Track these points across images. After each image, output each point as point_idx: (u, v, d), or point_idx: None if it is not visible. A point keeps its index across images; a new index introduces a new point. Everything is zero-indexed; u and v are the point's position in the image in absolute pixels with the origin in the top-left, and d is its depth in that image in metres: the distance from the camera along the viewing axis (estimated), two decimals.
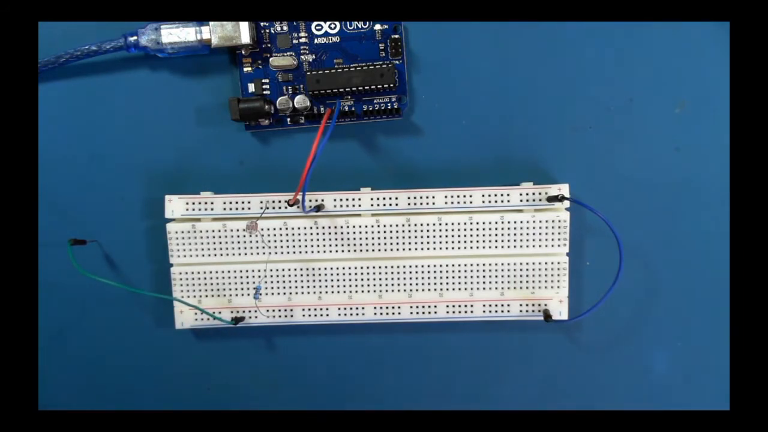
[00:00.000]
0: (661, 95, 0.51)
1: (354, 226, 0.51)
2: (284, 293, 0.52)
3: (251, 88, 0.51)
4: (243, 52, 0.51)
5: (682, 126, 0.51)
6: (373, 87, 0.49)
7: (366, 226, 0.51)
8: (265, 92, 0.51)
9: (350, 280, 0.52)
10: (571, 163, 0.52)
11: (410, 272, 0.52)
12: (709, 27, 0.49)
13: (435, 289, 0.52)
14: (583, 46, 0.50)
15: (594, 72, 0.51)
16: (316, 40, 0.50)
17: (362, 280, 0.52)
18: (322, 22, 0.50)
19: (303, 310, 0.52)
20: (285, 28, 0.50)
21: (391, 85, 0.49)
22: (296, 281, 0.52)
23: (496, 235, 0.51)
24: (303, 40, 0.50)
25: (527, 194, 0.50)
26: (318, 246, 0.51)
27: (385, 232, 0.51)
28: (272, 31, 0.50)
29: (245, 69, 0.51)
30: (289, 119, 0.52)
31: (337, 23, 0.50)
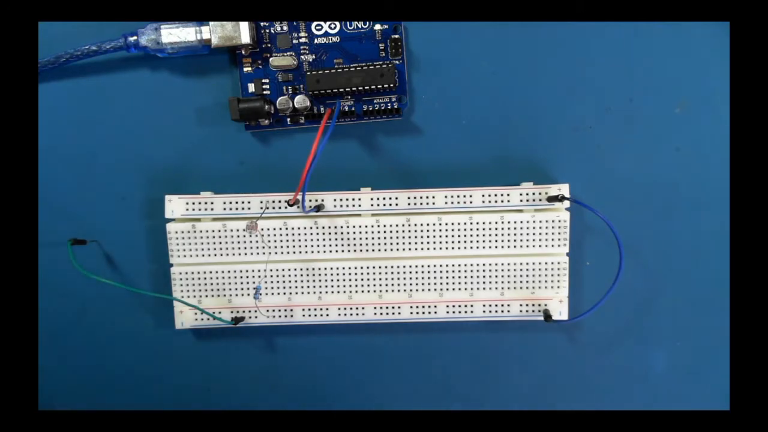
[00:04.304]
0: (661, 95, 0.51)
1: (354, 226, 0.51)
2: (284, 293, 0.52)
3: (251, 88, 0.51)
4: (243, 52, 0.51)
5: (682, 126, 0.51)
6: (373, 87, 0.49)
7: (366, 226, 0.51)
8: (265, 92, 0.51)
9: (350, 280, 0.52)
10: (571, 163, 0.52)
11: (410, 272, 0.52)
12: (709, 27, 0.49)
13: (435, 289, 0.52)
14: (583, 46, 0.50)
15: (594, 72, 0.51)
16: (316, 40, 0.50)
17: (362, 280, 0.52)
18: (322, 22, 0.50)
19: (303, 310, 0.52)
20: (285, 28, 0.50)
21: (391, 85, 0.49)
22: (296, 281, 0.52)
23: (496, 235, 0.51)
24: (303, 40, 0.50)
25: (527, 194, 0.50)
26: (318, 246, 0.52)
27: (385, 232, 0.51)
28: (272, 31, 0.50)
29: (245, 69, 0.51)
30: (289, 119, 0.52)
31: (337, 23, 0.50)
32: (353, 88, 0.49)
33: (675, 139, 0.51)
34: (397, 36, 0.50)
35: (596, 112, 0.51)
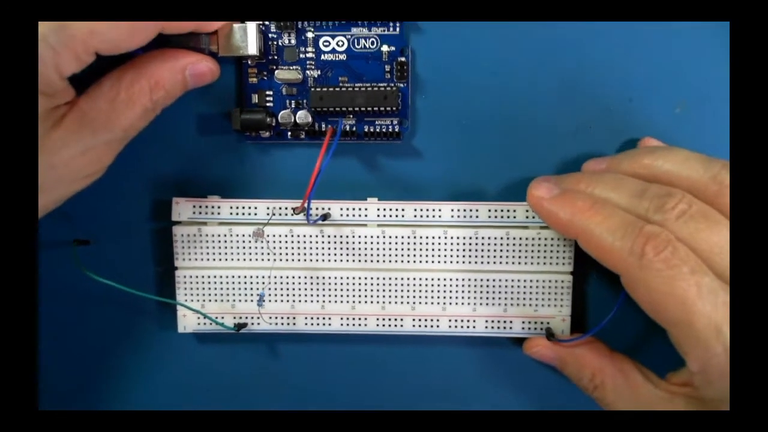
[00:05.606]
0: (661, 95, 0.50)
1: (360, 236, 0.51)
2: (287, 300, 0.52)
3: (255, 99, 0.52)
4: (249, 62, 0.51)
5: (682, 126, 0.51)
6: (375, 108, 0.50)
7: (372, 237, 0.51)
8: (268, 104, 0.52)
9: (354, 290, 0.52)
10: (571, 164, 0.51)
11: (414, 285, 0.52)
12: (709, 27, 0.49)
13: (438, 303, 0.52)
14: (582, 46, 0.51)
15: (594, 72, 0.51)
16: (322, 56, 0.51)
17: (366, 290, 0.52)
18: (329, 38, 0.51)
19: (306, 318, 0.52)
20: (293, 41, 0.51)
21: (394, 108, 0.50)
22: (300, 289, 0.52)
23: (500, 250, 0.51)
24: (310, 55, 0.51)
25: (533, 211, 0.50)
26: (323, 254, 0.52)
27: (390, 243, 0.51)
28: (280, 44, 0.51)
29: (250, 80, 0.52)
30: (289, 133, 0.52)
31: (345, 41, 0.51)
32: (356, 108, 0.50)
33: (675, 139, 0.50)
34: (403, 59, 0.51)
35: (596, 112, 0.51)
